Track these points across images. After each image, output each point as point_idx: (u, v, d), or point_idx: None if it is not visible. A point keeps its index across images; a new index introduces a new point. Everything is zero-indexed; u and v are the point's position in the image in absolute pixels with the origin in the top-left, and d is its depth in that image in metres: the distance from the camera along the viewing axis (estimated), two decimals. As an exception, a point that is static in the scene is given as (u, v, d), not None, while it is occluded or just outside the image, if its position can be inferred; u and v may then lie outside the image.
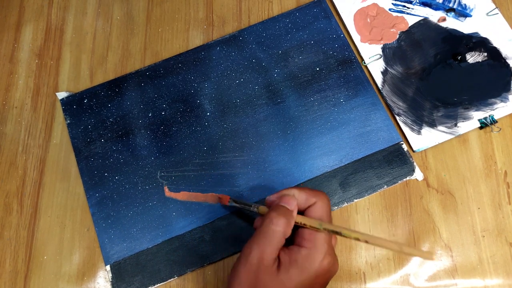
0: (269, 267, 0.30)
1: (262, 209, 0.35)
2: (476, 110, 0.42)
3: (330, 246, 0.32)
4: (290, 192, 0.33)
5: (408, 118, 0.43)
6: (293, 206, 0.32)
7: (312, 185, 0.41)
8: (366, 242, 0.30)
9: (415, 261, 0.39)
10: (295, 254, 0.31)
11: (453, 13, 0.46)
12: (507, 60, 0.43)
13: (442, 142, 0.42)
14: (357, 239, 0.31)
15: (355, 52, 0.45)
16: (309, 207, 0.33)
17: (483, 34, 0.44)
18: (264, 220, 0.32)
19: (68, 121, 0.45)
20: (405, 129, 0.42)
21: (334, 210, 0.40)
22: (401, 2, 0.47)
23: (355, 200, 0.41)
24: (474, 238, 0.39)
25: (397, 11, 0.46)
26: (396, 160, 0.41)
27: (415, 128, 0.42)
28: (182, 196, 0.42)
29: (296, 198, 0.33)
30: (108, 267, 0.40)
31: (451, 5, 0.46)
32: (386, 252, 0.39)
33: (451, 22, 0.45)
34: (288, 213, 0.32)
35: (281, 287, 0.30)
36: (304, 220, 0.32)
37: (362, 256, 0.39)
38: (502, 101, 0.42)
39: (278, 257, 0.31)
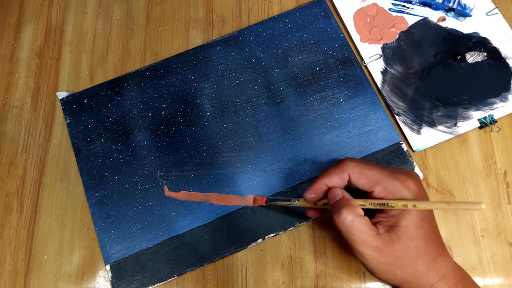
0: (384, 242, 0.31)
1: (302, 202, 0.36)
2: (476, 110, 0.42)
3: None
4: (322, 184, 0.34)
5: (408, 118, 0.43)
6: (339, 195, 0.33)
7: (311, 184, 0.41)
8: (414, 206, 0.30)
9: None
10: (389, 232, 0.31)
11: (452, 13, 0.46)
12: (507, 60, 0.43)
13: (442, 142, 0.42)
14: (405, 206, 0.31)
15: (354, 52, 0.45)
16: (350, 182, 0.34)
17: (482, 34, 0.44)
18: (338, 225, 0.32)
19: (68, 121, 0.45)
20: (405, 129, 0.42)
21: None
22: (401, 2, 0.47)
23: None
24: (474, 238, 0.39)
25: (397, 11, 0.46)
26: (395, 160, 0.41)
27: (414, 127, 0.42)
28: (181, 195, 0.42)
29: (329, 186, 0.34)
30: (108, 267, 0.40)
31: (450, 5, 0.46)
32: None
33: (451, 22, 0.45)
34: (346, 207, 0.32)
35: (404, 245, 0.31)
36: (361, 201, 0.32)
37: (362, 256, 0.39)
38: (501, 100, 0.42)
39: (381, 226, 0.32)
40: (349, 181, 0.34)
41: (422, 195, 0.32)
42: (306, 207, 0.37)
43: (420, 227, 0.31)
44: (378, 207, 0.32)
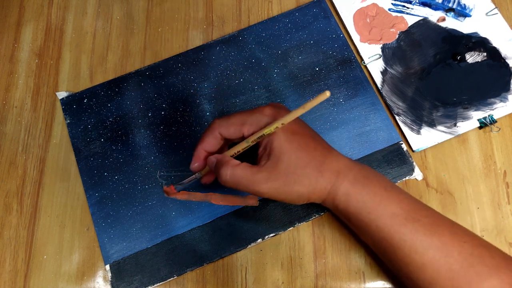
0: (263, 173, 0.33)
1: (200, 172, 0.38)
2: (476, 110, 0.42)
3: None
4: (201, 150, 0.36)
5: (408, 118, 0.43)
6: (212, 161, 0.35)
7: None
8: (282, 124, 0.32)
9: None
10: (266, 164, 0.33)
11: (452, 13, 0.46)
12: (507, 60, 0.43)
13: (442, 142, 0.42)
14: (275, 128, 0.32)
15: (354, 52, 0.46)
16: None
17: (482, 34, 0.44)
18: (226, 184, 0.34)
19: (68, 121, 0.45)
20: (405, 129, 0.42)
21: (334, 209, 0.40)
22: (401, 2, 0.47)
23: (355, 200, 0.41)
24: (474, 238, 0.39)
25: (397, 11, 0.46)
26: (395, 160, 0.41)
27: (414, 128, 0.42)
28: (181, 195, 0.42)
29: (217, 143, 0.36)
30: (107, 267, 0.40)
31: (450, 5, 0.46)
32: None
33: (451, 22, 0.45)
34: (222, 166, 0.34)
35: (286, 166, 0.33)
36: (234, 150, 0.35)
37: (362, 256, 0.39)
38: (501, 101, 0.42)
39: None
40: (223, 138, 0.36)
41: (282, 114, 0.33)
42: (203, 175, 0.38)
43: (293, 141, 0.33)
44: (255, 141, 0.34)
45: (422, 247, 0.31)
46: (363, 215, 0.33)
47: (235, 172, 0.33)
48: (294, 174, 0.33)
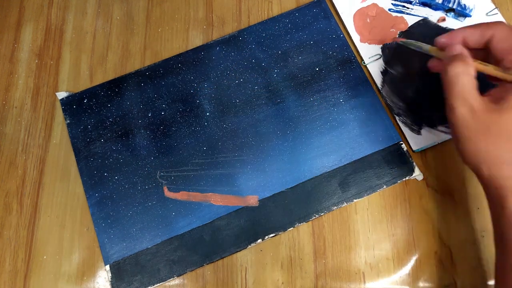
0: (482, 107, 0.28)
1: (432, 49, 0.36)
2: (476, 110, 0.42)
3: None
4: (459, 34, 0.33)
5: (408, 118, 0.43)
6: (458, 50, 0.32)
7: (311, 185, 0.41)
8: None
9: (415, 260, 0.39)
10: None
11: (452, 13, 0.46)
12: (507, 60, 0.43)
13: (442, 142, 0.42)
14: None
15: (354, 52, 0.45)
16: (489, 42, 0.32)
17: (482, 34, 0.44)
18: (445, 76, 0.31)
19: (68, 121, 0.45)
20: (405, 129, 0.42)
21: (333, 210, 0.40)
22: (401, 2, 0.47)
23: (355, 200, 0.41)
24: (474, 238, 0.39)
25: (397, 11, 0.46)
26: (395, 160, 0.41)
27: (414, 128, 0.42)
28: (181, 196, 0.42)
29: (466, 40, 0.32)
30: (107, 267, 0.40)
31: (450, 5, 0.46)
32: (385, 253, 0.39)
33: (451, 22, 0.45)
34: (461, 61, 0.30)
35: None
36: (483, 68, 0.31)
37: (362, 256, 0.39)
38: (501, 101, 0.42)
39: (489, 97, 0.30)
40: (488, 43, 0.32)
41: None
42: (433, 57, 0.36)
43: None
44: (499, 75, 0.30)
45: None
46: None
47: (462, 75, 0.29)
48: (496, 135, 0.28)
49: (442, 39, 0.34)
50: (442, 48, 0.35)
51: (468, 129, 0.28)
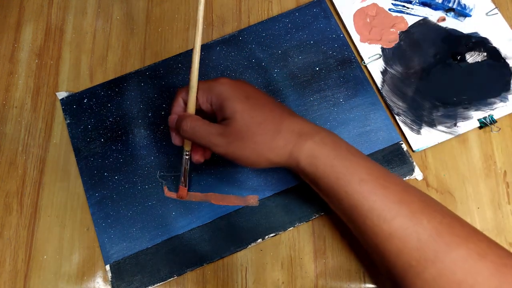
0: (219, 128, 0.34)
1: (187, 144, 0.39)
2: (476, 110, 0.42)
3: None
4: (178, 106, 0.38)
5: (408, 118, 0.43)
6: (173, 118, 0.37)
7: (311, 184, 0.41)
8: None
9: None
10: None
11: (452, 13, 0.46)
12: (507, 60, 0.43)
13: (442, 142, 0.42)
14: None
15: (354, 52, 0.46)
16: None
17: (482, 34, 0.44)
18: (185, 136, 0.36)
19: (68, 121, 0.45)
20: (405, 129, 0.42)
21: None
22: (401, 2, 0.47)
23: (355, 200, 0.41)
24: (474, 238, 0.39)
25: (397, 11, 0.46)
26: (395, 159, 0.41)
27: (414, 128, 0.42)
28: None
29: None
30: (107, 267, 0.40)
31: (450, 5, 0.46)
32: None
33: (451, 22, 0.45)
34: (181, 118, 0.36)
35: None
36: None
37: (362, 256, 0.39)
38: (501, 101, 0.42)
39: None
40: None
41: (237, 84, 0.35)
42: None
43: (246, 102, 0.33)
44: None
45: (390, 215, 0.30)
46: (331, 180, 0.32)
47: (193, 123, 0.34)
48: (248, 131, 0.33)
49: (172, 136, 0.38)
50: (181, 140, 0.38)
51: (234, 144, 0.33)
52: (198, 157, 0.38)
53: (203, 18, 0.35)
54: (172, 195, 0.42)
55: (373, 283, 0.39)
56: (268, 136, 0.33)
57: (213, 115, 0.36)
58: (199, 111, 0.37)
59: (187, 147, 0.38)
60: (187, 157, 0.39)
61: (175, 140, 0.38)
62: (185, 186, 0.40)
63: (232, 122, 0.33)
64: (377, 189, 0.31)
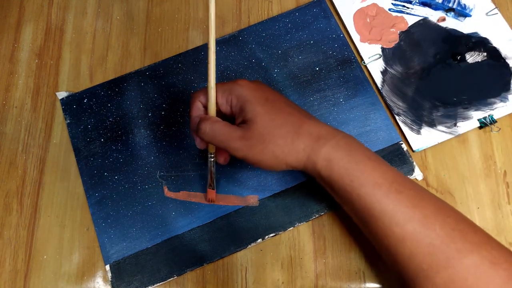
0: (239, 131, 0.34)
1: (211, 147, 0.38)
2: (476, 110, 0.42)
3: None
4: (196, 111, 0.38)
5: (408, 118, 0.43)
6: (195, 120, 0.37)
7: (311, 185, 0.41)
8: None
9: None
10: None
11: (452, 13, 0.46)
12: (507, 60, 0.43)
13: (442, 142, 0.42)
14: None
15: (354, 52, 0.46)
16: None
17: (482, 34, 0.44)
18: (205, 139, 0.35)
19: (68, 121, 0.45)
20: (405, 129, 0.42)
21: (334, 209, 0.40)
22: (401, 2, 0.47)
23: (355, 200, 0.41)
24: (474, 238, 0.39)
25: (397, 11, 0.46)
26: (395, 159, 0.41)
27: (414, 128, 0.42)
28: (181, 196, 0.42)
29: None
30: (107, 267, 0.40)
31: (450, 5, 0.46)
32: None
33: (451, 22, 0.45)
34: (201, 120, 0.35)
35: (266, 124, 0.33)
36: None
37: (362, 256, 0.39)
38: (501, 101, 0.42)
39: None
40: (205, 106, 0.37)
41: (255, 85, 0.35)
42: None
43: (266, 105, 0.34)
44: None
45: (403, 219, 0.30)
46: (345, 183, 0.32)
47: (213, 126, 0.34)
48: (269, 134, 0.33)
49: (197, 141, 0.38)
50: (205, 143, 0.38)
51: (253, 147, 0.33)
52: (223, 159, 0.38)
53: (215, 16, 0.34)
54: (172, 195, 0.42)
55: (373, 283, 0.39)
56: (288, 139, 0.33)
57: (231, 117, 0.36)
58: (217, 113, 0.36)
59: (212, 149, 0.38)
60: (212, 159, 0.39)
61: (199, 144, 0.38)
62: (213, 189, 0.40)
63: (253, 125, 0.33)
64: (391, 193, 0.31)
